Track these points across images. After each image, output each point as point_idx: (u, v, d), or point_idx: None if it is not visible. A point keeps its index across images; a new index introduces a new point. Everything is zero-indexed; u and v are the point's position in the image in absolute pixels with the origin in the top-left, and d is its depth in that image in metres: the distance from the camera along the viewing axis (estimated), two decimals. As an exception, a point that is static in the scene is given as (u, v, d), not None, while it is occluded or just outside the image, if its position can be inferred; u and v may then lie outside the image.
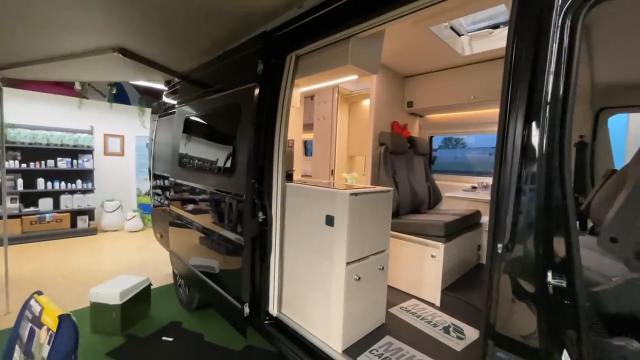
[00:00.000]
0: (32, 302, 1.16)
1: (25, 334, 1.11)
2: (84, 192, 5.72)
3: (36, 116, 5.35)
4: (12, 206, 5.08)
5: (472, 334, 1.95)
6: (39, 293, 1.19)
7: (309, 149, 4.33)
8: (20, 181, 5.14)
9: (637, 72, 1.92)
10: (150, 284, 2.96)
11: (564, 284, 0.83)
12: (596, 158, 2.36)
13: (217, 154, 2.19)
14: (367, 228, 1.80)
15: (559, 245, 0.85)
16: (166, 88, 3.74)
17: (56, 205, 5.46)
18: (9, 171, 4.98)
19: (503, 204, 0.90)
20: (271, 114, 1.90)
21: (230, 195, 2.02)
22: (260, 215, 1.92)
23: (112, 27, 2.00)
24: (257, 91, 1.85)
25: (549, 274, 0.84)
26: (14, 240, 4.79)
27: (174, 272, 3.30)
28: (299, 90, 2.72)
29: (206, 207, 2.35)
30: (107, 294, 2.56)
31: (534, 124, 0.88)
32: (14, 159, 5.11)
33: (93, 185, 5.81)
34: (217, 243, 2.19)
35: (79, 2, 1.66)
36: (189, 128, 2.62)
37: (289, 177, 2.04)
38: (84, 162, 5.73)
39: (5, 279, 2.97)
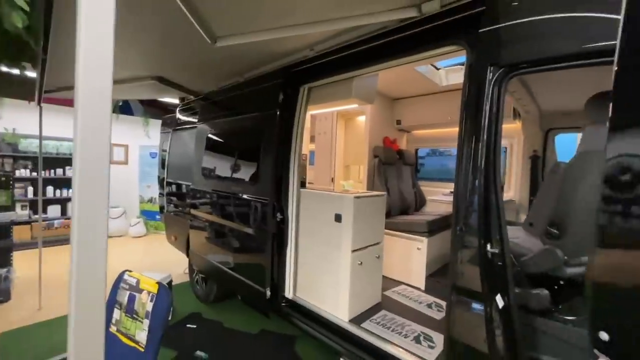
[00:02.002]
0: (126, 276, 1.57)
1: (124, 299, 1.51)
2: (90, 199, 5.99)
3: (46, 127, 5.61)
4: (22, 213, 5.30)
5: (449, 309, 2.44)
6: (129, 270, 1.60)
7: (310, 159, 4.79)
8: (30, 189, 5.38)
9: (566, 105, 2.55)
10: (171, 280, 3.33)
11: (497, 251, 1.32)
12: (547, 167, 2.94)
13: (242, 165, 2.63)
14: (366, 224, 2.28)
15: (494, 227, 1.34)
16: (180, 104, 4.14)
17: (64, 212, 5.71)
18: (21, 179, 5.23)
19: (459, 197, 1.39)
20: (288, 134, 2.36)
21: (254, 200, 2.46)
22: (279, 215, 2.37)
23: (152, 62, 2.45)
24: (277, 115, 2.32)
25: (488, 245, 1.33)
26: (25, 245, 4.94)
27: (190, 270, 3.66)
28: (309, 113, 3.20)
29: (230, 210, 2.78)
30: (139, 287, 2.91)
31: (479, 144, 1.37)
32: (25, 167, 5.36)
33: (99, 192, 6.09)
34: (240, 239, 2.62)
35: (130, 45, 2.09)
36: (214, 142, 3.05)
37: (302, 184, 2.50)
38: (91, 171, 6.01)
39: (39, 279, 3.27)
